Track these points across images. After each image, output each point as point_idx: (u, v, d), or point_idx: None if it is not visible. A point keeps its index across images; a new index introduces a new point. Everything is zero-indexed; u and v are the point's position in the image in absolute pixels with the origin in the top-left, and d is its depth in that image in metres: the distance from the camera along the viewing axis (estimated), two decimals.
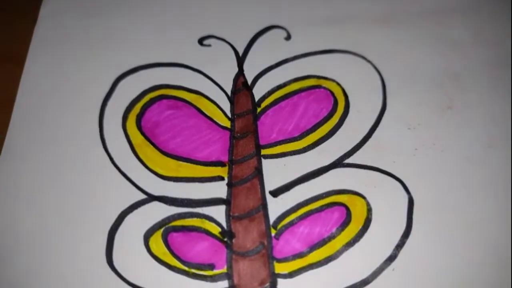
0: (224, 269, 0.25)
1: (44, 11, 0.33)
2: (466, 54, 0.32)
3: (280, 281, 0.25)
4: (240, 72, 0.31)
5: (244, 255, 0.26)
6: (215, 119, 0.29)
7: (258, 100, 0.30)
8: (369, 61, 0.32)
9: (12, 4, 0.34)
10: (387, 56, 0.32)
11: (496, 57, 0.32)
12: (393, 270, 0.25)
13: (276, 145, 0.29)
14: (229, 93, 0.30)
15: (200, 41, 0.32)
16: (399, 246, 0.25)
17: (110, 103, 0.30)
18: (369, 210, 0.26)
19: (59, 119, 0.29)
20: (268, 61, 0.32)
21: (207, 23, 0.33)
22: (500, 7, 0.34)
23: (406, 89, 0.31)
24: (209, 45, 0.32)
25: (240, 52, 0.32)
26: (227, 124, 0.29)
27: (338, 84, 0.31)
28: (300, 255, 0.26)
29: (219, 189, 0.27)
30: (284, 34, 0.33)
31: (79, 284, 0.25)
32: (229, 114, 0.30)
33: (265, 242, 0.26)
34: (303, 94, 0.30)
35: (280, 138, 0.29)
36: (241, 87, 0.31)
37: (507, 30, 0.33)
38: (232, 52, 0.32)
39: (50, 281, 0.25)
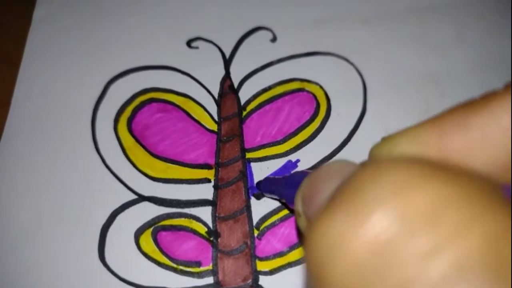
0: (210, 266, 0.27)
1: (38, 14, 0.34)
2: (447, 56, 0.33)
3: (261, 278, 0.27)
4: (227, 75, 0.32)
5: (228, 253, 0.27)
6: (202, 122, 0.31)
7: (244, 104, 0.31)
8: (351, 63, 0.33)
9: (6, 7, 0.34)
10: (370, 58, 0.33)
11: (478, 59, 0.33)
12: None
13: (260, 149, 0.30)
14: (216, 96, 0.31)
15: (188, 43, 0.33)
16: None
17: (102, 106, 0.31)
18: None
19: (53, 121, 0.30)
20: (254, 64, 0.33)
21: (195, 25, 0.34)
22: (483, 7, 0.35)
23: (387, 92, 0.32)
24: (197, 47, 0.33)
25: (227, 54, 0.33)
26: (214, 127, 0.31)
27: (321, 87, 0.32)
28: (280, 254, 0.27)
29: (206, 191, 0.29)
30: (270, 35, 0.34)
31: (72, 280, 0.26)
32: (216, 117, 0.31)
33: (249, 242, 0.28)
34: (287, 97, 0.31)
35: (264, 142, 0.30)
36: (228, 90, 0.32)
37: (490, 31, 0.34)
38: (220, 54, 0.33)
39: (44, 277, 0.26)
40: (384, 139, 0.15)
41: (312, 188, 0.15)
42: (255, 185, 0.29)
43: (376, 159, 0.13)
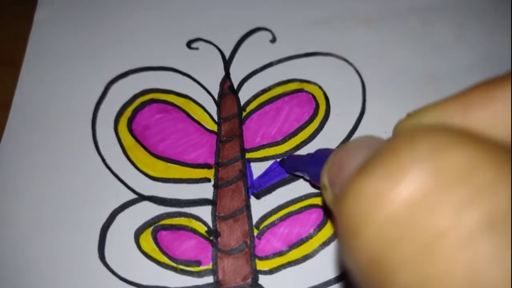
0: (209, 266, 0.27)
1: (39, 16, 0.34)
2: (447, 56, 0.33)
3: (261, 277, 0.27)
4: (227, 76, 0.32)
5: (228, 253, 0.27)
6: (202, 123, 0.31)
7: (244, 104, 0.31)
8: (350, 64, 0.33)
9: (7, 8, 0.34)
10: (369, 58, 0.33)
11: (478, 59, 0.33)
12: None
13: (260, 149, 0.30)
14: (216, 97, 0.32)
15: (188, 44, 0.33)
16: None
17: (102, 106, 0.31)
18: None
19: (54, 121, 0.30)
20: (254, 65, 0.33)
21: (195, 26, 0.34)
22: (483, 8, 0.35)
23: (386, 92, 0.32)
24: (197, 48, 0.33)
25: (227, 55, 0.33)
26: (214, 127, 0.31)
27: (320, 87, 0.32)
28: (280, 254, 0.27)
29: (206, 190, 0.29)
30: (270, 36, 0.34)
31: (72, 279, 0.26)
32: (216, 118, 0.31)
33: (248, 241, 0.28)
34: (286, 98, 0.32)
35: (264, 142, 0.30)
36: (228, 91, 0.32)
37: (490, 31, 0.34)
38: (219, 55, 0.33)
39: (44, 276, 0.26)
40: (410, 115, 0.16)
41: (341, 160, 0.16)
42: (278, 163, 0.29)
43: (403, 131, 0.13)
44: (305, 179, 0.29)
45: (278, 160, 0.30)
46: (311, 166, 0.25)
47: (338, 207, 0.13)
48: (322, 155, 0.23)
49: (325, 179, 0.18)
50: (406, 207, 0.11)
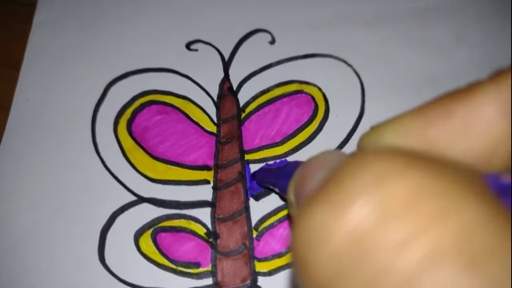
0: (209, 267, 0.27)
1: (38, 17, 0.34)
2: (448, 57, 0.33)
3: (260, 279, 0.27)
4: (226, 77, 0.32)
5: (227, 254, 0.27)
6: (201, 124, 0.31)
7: (243, 106, 0.31)
8: (349, 65, 0.33)
9: (7, 10, 0.35)
10: (369, 60, 0.33)
11: (479, 60, 0.33)
12: None
13: (259, 150, 0.30)
14: (215, 98, 0.32)
15: (188, 46, 0.33)
16: None
17: (102, 108, 0.31)
18: None
19: (53, 123, 0.30)
20: (253, 66, 0.33)
21: (194, 27, 0.34)
22: (484, 9, 0.35)
23: (385, 94, 0.32)
24: (196, 50, 0.33)
25: (226, 57, 0.33)
26: (213, 129, 0.31)
27: (319, 89, 0.32)
28: (279, 255, 0.27)
29: (205, 192, 0.29)
30: (269, 38, 0.34)
31: (72, 281, 0.27)
32: (215, 119, 0.31)
33: (247, 243, 0.28)
34: (285, 99, 0.32)
35: (263, 144, 0.30)
36: (227, 92, 0.32)
37: (491, 32, 0.34)
38: (219, 56, 0.33)
39: (44, 279, 0.27)
40: (372, 128, 0.16)
41: (303, 177, 0.16)
42: (251, 175, 0.29)
43: (362, 150, 0.13)
44: (276, 193, 0.28)
45: (251, 172, 0.29)
46: (280, 179, 0.24)
47: (293, 228, 0.12)
48: (292, 168, 0.22)
49: (291, 195, 0.17)
50: (350, 241, 0.11)
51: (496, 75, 0.13)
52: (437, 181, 0.11)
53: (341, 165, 0.12)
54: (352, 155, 0.13)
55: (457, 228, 0.10)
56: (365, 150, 0.12)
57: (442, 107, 0.14)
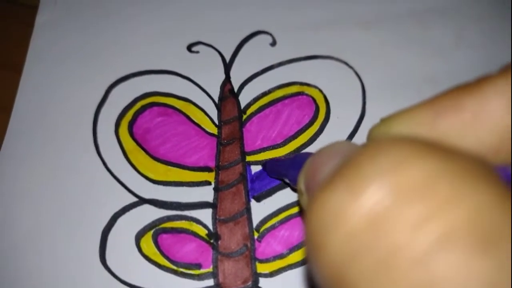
0: (210, 269, 0.27)
1: (40, 19, 0.34)
2: (448, 59, 0.33)
3: (261, 280, 0.27)
4: (227, 79, 0.32)
5: (229, 255, 0.27)
6: (203, 126, 0.31)
7: (244, 107, 0.32)
8: (351, 67, 0.33)
9: (9, 12, 0.35)
10: (369, 61, 0.33)
11: (478, 61, 0.33)
12: None
13: (260, 152, 0.30)
14: (216, 100, 0.32)
15: (189, 48, 0.33)
16: None
17: (103, 110, 0.31)
18: None
19: (55, 125, 0.31)
20: (254, 68, 0.33)
21: (195, 29, 0.34)
22: (483, 10, 0.35)
23: (386, 95, 0.32)
24: (197, 52, 0.33)
25: (227, 58, 0.33)
26: (214, 130, 0.31)
27: (320, 90, 0.32)
28: (280, 256, 0.27)
29: (206, 193, 0.29)
30: (270, 39, 0.34)
31: (73, 282, 0.27)
32: (216, 121, 0.31)
33: (249, 244, 0.28)
34: (286, 101, 0.32)
35: (264, 145, 0.30)
36: (228, 94, 0.32)
37: (490, 33, 0.34)
38: (220, 58, 0.33)
39: (45, 280, 0.26)
40: (382, 120, 0.16)
41: (314, 167, 0.16)
42: (261, 166, 0.29)
43: (375, 139, 0.13)
44: (285, 183, 0.28)
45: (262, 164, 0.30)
46: (290, 170, 0.24)
47: (307, 214, 0.13)
48: (302, 158, 0.23)
49: (301, 184, 0.18)
50: (366, 222, 0.11)
51: (506, 69, 0.14)
52: (451, 166, 0.11)
53: (356, 152, 0.13)
54: (365, 144, 0.13)
55: (470, 212, 0.10)
56: (379, 139, 0.13)
57: (452, 100, 0.14)
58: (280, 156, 0.30)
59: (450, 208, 0.10)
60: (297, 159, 0.24)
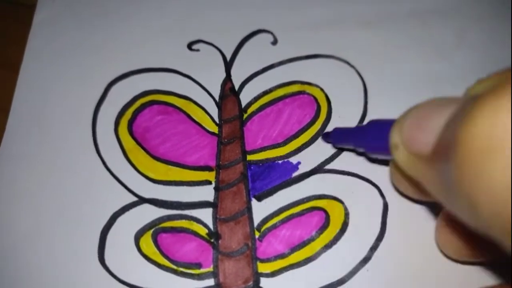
0: (210, 268, 0.27)
1: (38, 18, 0.34)
2: (449, 59, 0.33)
3: (262, 280, 0.27)
4: (228, 78, 0.32)
5: (229, 255, 0.27)
6: (203, 124, 0.31)
7: (245, 106, 0.31)
8: (352, 66, 0.33)
9: (6, 11, 0.34)
10: (371, 61, 0.33)
11: (480, 61, 0.33)
12: (367, 270, 0.27)
13: (261, 151, 0.30)
14: (217, 98, 0.32)
15: (189, 46, 0.33)
16: (374, 248, 0.27)
17: (102, 108, 0.31)
18: (347, 214, 0.28)
19: (54, 124, 0.30)
20: (255, 66, 0.33)
21: (196, 27, 0.34)
22: (484, 10, 0.35)
23: (387, 95, 0.32)
24: (198, 50, 0.33)
25: (228, 57, 0.33)
26: (215, 129, 0.31)
27: (322, 89, 0.32)
28: (281, 256, 0.27)
29: (207, 193, 0.29)
30: (271, 38, 0.34)
31: (72, 282, 0.26)
32: (217, 120, 0.31)
33: (250, 244, 0.27)
34: (287, 100, 0.32)
35: (265, 144, 0.30)
36: (229, 92, 0.32)
37: (492, 33, 0.34)
38: (220, 56, 0.33)
39: (44, 279, 0.26)
40: (480, 80, 0.18)
41: (422, 116, 0.17)
42: (321, 136, 0.30)
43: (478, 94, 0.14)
44: (353, 151, 0.29)
45: (322, 134, 0.30)
46: (367, 137, 0.25)
47: (457, 142, 0.13)
48: (379, 124, 0.24)
49: (397, 138, 0.18)
50: None
51: None
52: None
53: (490, 88, 0.13)
54: (490, 87, 0.14)
55: None
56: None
57: None
58: (344, 127, 0.30)
59: None
60: (373, 125, 0.24)
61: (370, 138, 0.25)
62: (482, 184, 0.13)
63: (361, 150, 0.27)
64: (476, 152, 0.13)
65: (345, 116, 0.31)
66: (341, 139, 0.29)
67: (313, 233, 0.28)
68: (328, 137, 0.30)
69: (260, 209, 0.28)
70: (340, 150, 0.30)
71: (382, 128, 0.22)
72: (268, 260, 0.27)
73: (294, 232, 0.28)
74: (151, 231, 0.28)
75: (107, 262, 0.27)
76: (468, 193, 0.13)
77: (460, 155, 0.13)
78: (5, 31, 0.34)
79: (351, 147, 0.28)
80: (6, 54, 0.33)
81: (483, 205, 0.13)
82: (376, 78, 0.32)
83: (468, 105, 0.14)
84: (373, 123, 0.25)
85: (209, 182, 0.29)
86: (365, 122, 0.31)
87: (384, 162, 0.29)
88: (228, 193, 0.29)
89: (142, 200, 0.28)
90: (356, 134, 0.27)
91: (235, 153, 0.30)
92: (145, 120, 0.30)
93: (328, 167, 0.29)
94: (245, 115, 0.31)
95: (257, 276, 0.27)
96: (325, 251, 0.27)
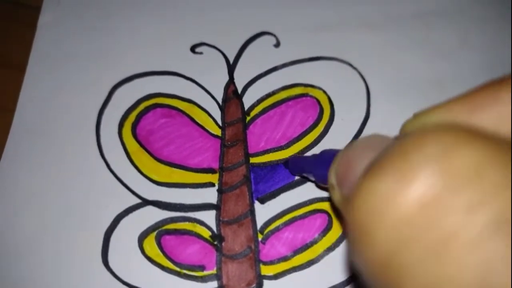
0: (214, 271, 0.27)
1: (43, 20, 0.34)
2: (452, 60, 0.33)
3: (265, 282, 0.27)
4: (231, 81, 0.32)
5: (232, 257, 0.27)
6: (206, 127, 0.31)
7: (248, 109, 0.31)
8: (355, 68, 0.33)
9: (12, 13, 0.35)
10: (374, 63, 0.33)
11: (483, 63, 0.33)
12: None
13: (264, 154, 0.30)
14: (220, 101, 0.32)
15: (192, 49, 0.33)
16: None
17: (106, 111, 0.31)
18: None
19: (58, 126, 0.30)
20: (258, 69, 0.33)
21: (199, 30, 0.34)
22: (487, 12, 0.35)
23: (390, 97, 0.32)
24: (201, 53, 0.33)
25: (231, 60, 0.33)
26: (218, 132, 0.31)
27: (324, 92, 0.32)
28: (284, 259, 0.27)
29: (210, 195, 0.29)
30: (274, 41, 0.34)
31: (75, 283, 0.26)
32: (220, 123, 0.31)
33: (253, 246, 0.28)
34: (290, 102, 0.32)
35: (268, 147, 0.30)
36: (232, 95, 0.32)
37: (494, 35, 0.34)
38: (223, 59, 0.33)
39: (47, 281, 0.26)
40: (416, 115, 0.17)
41: (349, 160, 0.17)
42: (282, 164, 0.30)
43: (411, 132, 0.14)
44: (310, 180, 0.29)
45: (283, 162, 0.30)
46: (317, 167, 0.25)
47: (348, 208, 0.13)
48: (328, 155, 0.23)
49: (332, 179, 0.18)
50: (417, 208, 0.11)
51: None
52: (498, 153, 0.11)
53: (399, 142, 0.13)
54: (404, 135, 0.13)
55: None
56: (422, 128, 0.13)
57: (488, 93, 0.14)
58: (301, 155, 0.30)
59: (502, 192, 0.11)
60: (324, 156, 0.24)
61: (319, 169, 0.24)
62: (359, 258, 0.13)
63: (312, 178, 0.27)
64: (360, 218, 0.13)
65: (348, 119, 0.31)
66: (297, 167, 0.28)
67: (316, 235, 0.28)
68: (287, 165, 0.29)
69: (263, 212, 0.28)
70: None
71: (329, 160, 0.21)
72: (271, 262, 0.27)
73: (297, 234, 0.28)
74: (155, 233, 0.28)
75: (111, 264, 0.27)
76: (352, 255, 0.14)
77: (348, 221, 0.13)
78: (10, 32, 0.34)
79: (306, 175, 0.28)
80: (11, 55, 0.33)
81: (366, 279, 0.13)
82: (379, 80, 0.32)
83: (380, 155, 0.13)
84: (324, 153, 0.24)
85: (212, 185, 0.29)
86: (366, 125, 0.31)
87: None
88: (231, 195, 0.29)
89: (145, 202, 0.28)
90: (309, 163, 0.27)
91: (238, 156, 0.30)
92: (149, 123, 0.31)
93: None
94: (248, 118, 0.31)
95: (260, 278, 0.27)
96: (327, 254, 0.27)
